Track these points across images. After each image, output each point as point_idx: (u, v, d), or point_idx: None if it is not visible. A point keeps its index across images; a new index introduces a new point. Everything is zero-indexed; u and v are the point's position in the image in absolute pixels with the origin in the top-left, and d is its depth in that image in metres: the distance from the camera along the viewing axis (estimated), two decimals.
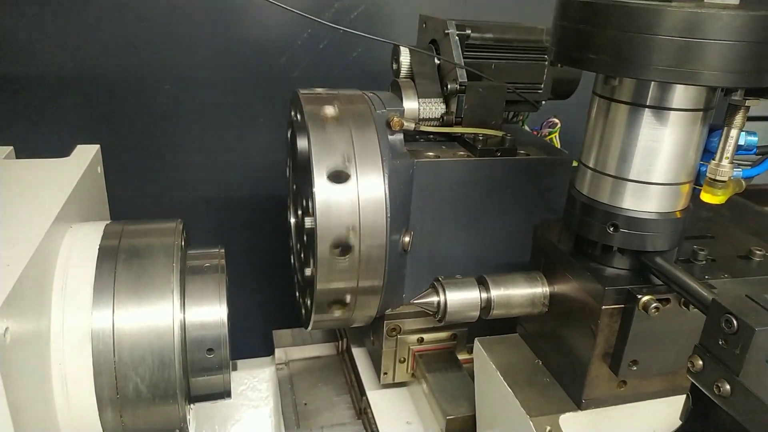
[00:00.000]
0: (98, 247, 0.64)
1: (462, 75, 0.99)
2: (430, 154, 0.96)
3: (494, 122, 1.01)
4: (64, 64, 1.33)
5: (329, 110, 0.93)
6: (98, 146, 0.85)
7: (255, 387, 1.31)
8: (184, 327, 0.64)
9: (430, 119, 1.02)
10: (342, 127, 0.90)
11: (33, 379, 0.55)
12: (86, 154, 0.80)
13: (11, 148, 0.80)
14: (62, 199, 0.64)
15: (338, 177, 0.86)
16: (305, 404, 1.18)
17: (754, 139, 0.70)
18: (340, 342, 1.32)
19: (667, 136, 0.66)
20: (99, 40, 1.34)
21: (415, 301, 0.81)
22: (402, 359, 1.06)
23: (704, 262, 0.76)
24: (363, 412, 1.13)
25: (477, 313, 0.80)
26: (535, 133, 1.20)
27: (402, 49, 1.05)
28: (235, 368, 1.32)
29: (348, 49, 1.56)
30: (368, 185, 0.88)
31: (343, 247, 0.86)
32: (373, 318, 0.99)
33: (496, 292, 0.80)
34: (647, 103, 0.66)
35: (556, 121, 1.20)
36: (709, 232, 0.88)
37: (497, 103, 1.00)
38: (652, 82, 0.65)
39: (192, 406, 0.71)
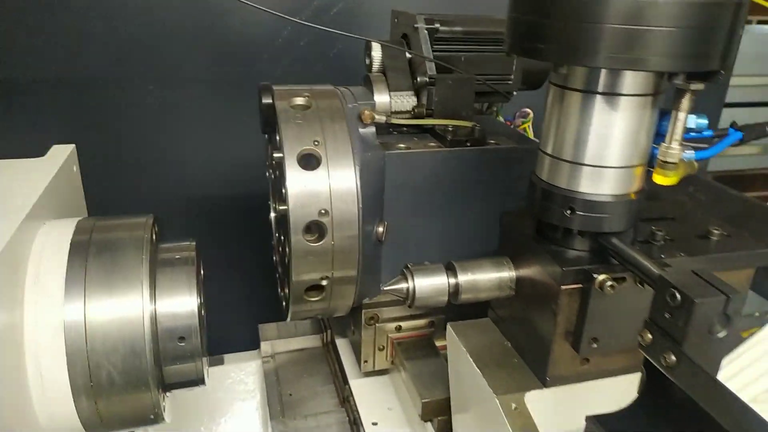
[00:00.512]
0: (70, 242, 0.66)
1: (431, 68, 1.02)
2: (402, 146, 0.98)
3: (464, 113, 1.03)
4: (46, 66, 1.35)
5: (301, 106, 0.95)
6: (73, 146, 0.87)
7: (242, 380, 1.33)
8: (155, 317, 0.66)
9: (401, 112, 1.04)
10: (313, 121, 0.93)
11: (8, 370, 0.58)
12: (61, 153, 0.82)
13: None
14: (34, 197, 0.67)
15: (309, 164, 0.88)
16: (290, 395, 1.21)
17: (703, 121, 0.72)
18: (325, 334, 1.34)
19: (618, 121, 0.69)
20: (82, 43, 1.36)
21: (386, 288, 0.83)
22: (381, 347, 1.08)
23: (662, 242, 0.78)
24: (346, 400, 1.15)
25: (446, 298, 0.83)
26: (508, 123, 1.23)
27: (373, 44, 1.07)
28: (221, 362, 1.34)
29: (328, 46, 1.58)
30: (340, 177, 0.90)
31: (315, 231, 0.88)
32: (351, 307, 1.02)
33: (464, 278, 0.82)
34: (599, 90, 0.68)
35: (529, 111, 1.22)
36: (674, 215, 0.91)
37: (466, 95, 1.03)
38: (602, 70, 0.67)
39: (168, 394, 0.74)
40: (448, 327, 0.90)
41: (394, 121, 1.01)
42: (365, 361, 1.09)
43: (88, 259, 0.65)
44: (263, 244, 1.36)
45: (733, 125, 0.81)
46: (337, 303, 0.98)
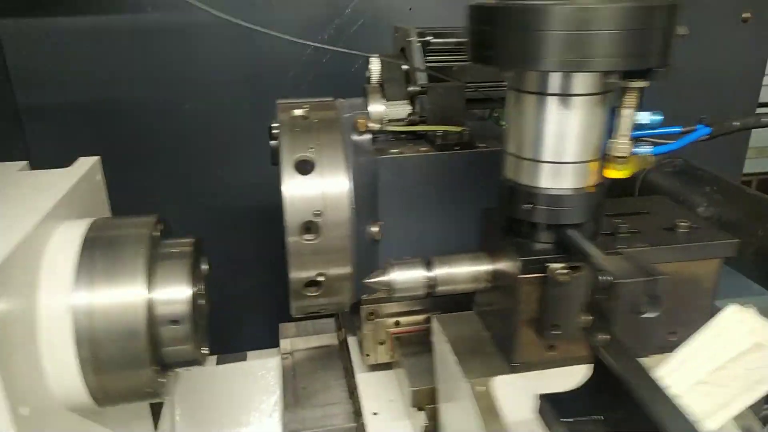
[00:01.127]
0: (83, 238, 0.77)
1: (423, 78, 1.09)
2: (394, 151, 1.05)
3: (456, 119, 1.09)
4: (88, 89, 1.51)
5: (300, 117, 1.04)
6: (98, 157, 0.99)
7: (263, 376, 1.42)
8: (152, 303, 0.76)
9: (397, 120, 1.11)
10: (309, 130, 1.01)
11: (25, 347, 0.68)
12: (85, 164, 0.94)
13: (26, 162, 0.95)
14: (54, 200, 0.78)
15: (304, 168, 0.96)
16: (304, 388, 1.29)
17: (658, 118, 0.76)
18: (340, 332, 1.42)
19: (571, 119, 0.74)
20: (124, 67, 1.52)
21: (366, 281, 0.90)
22: (381, 341, 1.15)
23: (626, 234, 0.81)
24: (353, 393, 1.22)
25: (423, 290, 0.88)
26: None
27: (372, 59, 1.15)
28: (244, 358, 1.44)
29: (348, 63, 1.67)
30: (332, 180, 0.98)
31: (310, 230, 0.96)
32: (350, 303, 1.08)
33: (441, 271, 0.88)
34: (550, 92, 0.73)
35: None
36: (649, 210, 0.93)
37: (457, 102, 1.09)
38: (552, 73, 0.72)
39: (170, 373, 0.83)
40: (433, 319, 0.96)
41: (389, 128, 1.09)
42: (367, 355, 1.16)
43: (96, 252, 0.76)
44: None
45: (701, 120, 0.84)
46: (335, 299, 1.05)
